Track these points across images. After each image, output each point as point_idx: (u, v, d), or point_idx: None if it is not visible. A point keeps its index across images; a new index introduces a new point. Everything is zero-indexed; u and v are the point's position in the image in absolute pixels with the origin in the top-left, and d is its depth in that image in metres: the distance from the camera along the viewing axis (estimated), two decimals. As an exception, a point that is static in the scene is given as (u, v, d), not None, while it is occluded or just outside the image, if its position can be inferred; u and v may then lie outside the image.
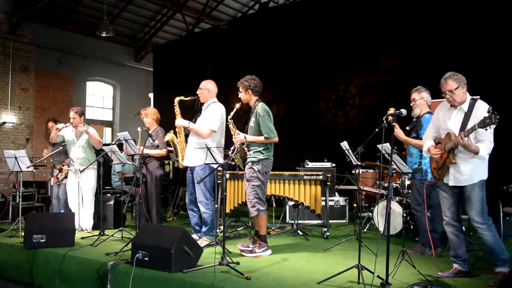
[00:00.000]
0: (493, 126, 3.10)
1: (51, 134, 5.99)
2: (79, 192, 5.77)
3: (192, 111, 5.13)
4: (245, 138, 4.41)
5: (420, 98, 4.52)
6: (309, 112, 9.16)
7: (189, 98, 5.02)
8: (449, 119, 3.56)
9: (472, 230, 4.73)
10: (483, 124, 3.11)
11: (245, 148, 4.50)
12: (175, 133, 5.23)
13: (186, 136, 5.09)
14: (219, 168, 4.09)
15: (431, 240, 4.08)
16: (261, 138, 4.41)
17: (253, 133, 4.49)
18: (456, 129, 3.46)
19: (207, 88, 4.94)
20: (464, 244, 3.66)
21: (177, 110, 5.06)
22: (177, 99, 5.07)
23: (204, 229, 4.83)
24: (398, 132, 4.44)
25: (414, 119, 4.60)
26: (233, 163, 5.60)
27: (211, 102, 4.93)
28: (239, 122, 5.29)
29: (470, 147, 3.32)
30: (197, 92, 4.97)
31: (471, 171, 3.43)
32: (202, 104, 5.03)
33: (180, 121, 4.90)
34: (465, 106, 3.48)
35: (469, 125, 3.36)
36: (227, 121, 4.72)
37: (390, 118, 4.13)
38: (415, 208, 4.52)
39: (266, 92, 9.63)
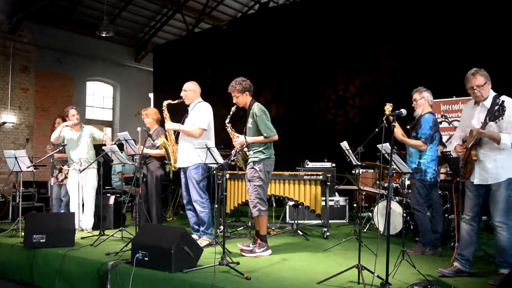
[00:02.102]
0: (500, 118, 3.10)
1: (56, 134, 5.86)
2: (79, 192, 5.77)
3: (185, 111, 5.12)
4: (245, 139, 4.41)
5: (421, 98, 4.52)
6: (309, 112, 9.16)
7: (177, 101, 5.03)
8: (472, 117, 3.53)
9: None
10: (493, 117, 3.10)
11: (245, 149, 4.50)
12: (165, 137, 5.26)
13: (177, 137, 5.11)
14: (216, 168, 4.10)
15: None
16: (260, 138, 4.40)
17: (252, 133, 4.49)
18: (479, 125, 3.41)
19: (192, 90, 4.98)
20: (473, 246, 3.61)
21: (166, 114, 5.08)
22: (165, 103, 5.08)
23: (202, 228, 4.84)
24: (397, 132, 4.43)
25: (415, 119, 4.61)
26: (232, 163, 5.61)
27: (197, 102, 4.96)
28: (240, 123, 5.29)
29: (492, 134, 3.27)
30: (182, 95, 4.98)
31: (496, 168, 3.37)
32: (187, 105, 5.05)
33: (170, 125, 4.94)
34: (487, 103, 3.45)
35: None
36: (225, 125, 4.73)
37: (390, 117, 4.14)
38: (415, 208, 4.52)
39: (265, 91, 9.66)
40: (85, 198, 5.83)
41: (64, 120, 6.09)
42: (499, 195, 3.37)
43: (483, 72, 3.47)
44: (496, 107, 3.09)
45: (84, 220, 5.84)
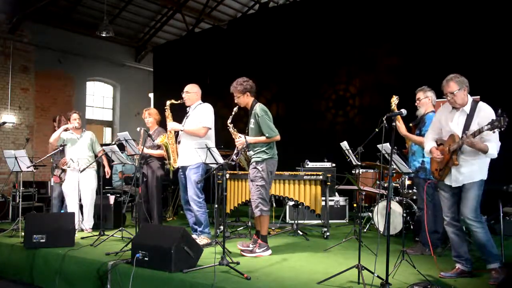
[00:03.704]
0: (500, 130, 3.11)
1: (56, 135, 5.86)
2: (78, 192, 5.76)
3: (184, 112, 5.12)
4: (245, 139, 4.41)
5: (425, 97, 4.53)
6: (309, 112, 9.15)
7: (179, 101, 5.04)
8: (451, 120, 3.57)
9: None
10: (492, 126, 3.10)
11: (246, 149, 4.51)
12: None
13: (176, 137, 5.11)
14: (216, 168, 4.10)
15: (429, 239, 4.08)
16: (262, 138, 4.40)
17: (254, 134, 4.49)
18: (459, 130, 3.47)
19: (195, 92, 5.02)
20: (466, 243, 3.66)
21: (168, 113, 5.09)
22: (168, 102, 5.09)
23: (199, 228, 4.85)
24: (400, 126, 4.44)
25: (418, 118, 4.61)
26: (233, 163, 5.61)
27: (198, 104, 4.99)
28: (241, 122, 5.30)
29: (479, 145, 3.31)
30: (184, 96, 4.98)
31: (472, 172, 3.45)
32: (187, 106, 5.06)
33: (174, 125, 4.95)
34: (467, 108, 3.50)
35: (472, 126, 3.38)
36: (227, 125, 4.74)
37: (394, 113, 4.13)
38: (422, 208, 4.51)
39: (266, 91, 9.65)
40: (84, 199, 5.83)
41: (59, 122, 6.11)
42: (470, 193, 3.46)
43: (458, 79, 3.49)
44: (497, 118, 3.08)
45: (84, 220, 5.84)
